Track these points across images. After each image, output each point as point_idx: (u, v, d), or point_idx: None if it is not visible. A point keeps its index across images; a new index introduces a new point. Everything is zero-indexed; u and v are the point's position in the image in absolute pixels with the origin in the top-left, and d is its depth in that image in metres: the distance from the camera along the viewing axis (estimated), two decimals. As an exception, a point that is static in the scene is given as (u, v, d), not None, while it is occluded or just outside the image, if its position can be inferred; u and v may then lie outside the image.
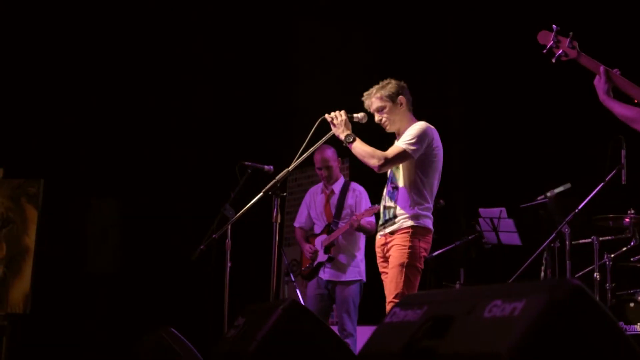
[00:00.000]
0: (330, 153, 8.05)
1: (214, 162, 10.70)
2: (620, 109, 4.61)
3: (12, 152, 9.83)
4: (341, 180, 8.25)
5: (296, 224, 8.49)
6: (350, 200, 8.12)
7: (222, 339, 5.08)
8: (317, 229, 8.23)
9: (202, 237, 6.88)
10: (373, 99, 6.08)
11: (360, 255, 8.07)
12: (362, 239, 8.11)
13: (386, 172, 6.07)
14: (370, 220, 7.82)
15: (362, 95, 6.16)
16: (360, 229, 7.82)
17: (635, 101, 4.63)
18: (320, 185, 8.36)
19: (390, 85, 6.07)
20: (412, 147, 5.77)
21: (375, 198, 6.48)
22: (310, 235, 8.27)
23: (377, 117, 6.10)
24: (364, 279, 8.05)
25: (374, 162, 5.81)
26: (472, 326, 2.65)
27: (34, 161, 9.99)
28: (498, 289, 2.74)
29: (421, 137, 5.81)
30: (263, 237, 7.79)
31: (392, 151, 5.84)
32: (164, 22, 11.18)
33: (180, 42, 11.23)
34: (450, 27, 10.45)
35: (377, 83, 6.17)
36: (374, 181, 6.14)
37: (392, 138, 6.19)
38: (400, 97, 6.03)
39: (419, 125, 5.91)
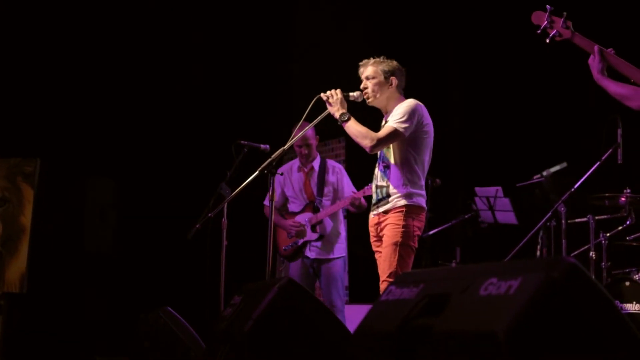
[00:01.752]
0: (311, 132, 8.00)
1: (210, 141, 10.69)
2: (614, 87, 4.62)
3: (8, 130, 9.81)
4: (318, 158, 8.22)
5: (267, 202, 8.30)
6: (331, 177, 8.10)
7: (218, 317, 5.10)
8: (295, 207, 8.15)
9: (198, 216, 6.88)
10: (369, 66, 6.08)
11: (344, 232, 8.10)
12: (343, 216, 8.15)
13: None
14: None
15: (359, 76, 6.15)
16: (359, 207, 7.80)
17: (632, 80, 4.63)
18: (295, 162, 8.26)
19: (389, 63, 6.08)
20: (403, 125, 5.78)
21: (369, 179, 6.48)
22: (286, 213, 8.20)
23: (363, 84, 6.09)
24: (346, 254, 8.10)
25: (366, 143, 5.81)
26: (468, 304, 2.66)
27: (30, 140, 9.96)
28: (494, 267, 2.74)
29: (410, 115, 5.81)
30: (259, 216, 7.81)
31: (383, 131, 5.85)
32: (158, 1, 11.14)
33: (175, 21, 11.19)
34: (450, 8, 10.42)
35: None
36: (370, 160, 6.15)
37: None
38: (393, 77, 6.02)
39: (408, 103, 5.91)
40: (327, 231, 7.98)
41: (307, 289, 7.84)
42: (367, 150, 5.86)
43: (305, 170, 8.17)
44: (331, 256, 7.96)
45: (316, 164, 8.16)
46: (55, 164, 9.55)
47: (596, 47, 4.70)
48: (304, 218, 8.01)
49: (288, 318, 4.24)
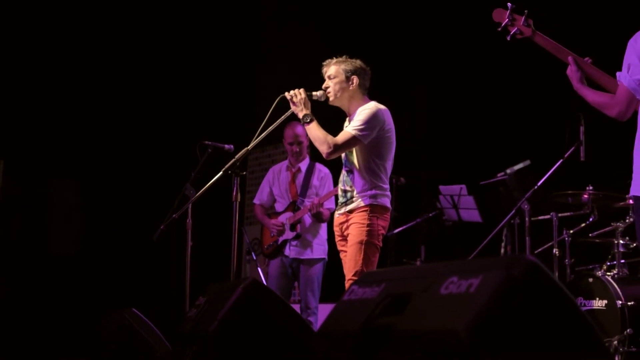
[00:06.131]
0: (301, 129, 7.98)
1: (174, 142, 10.66)
2: (593, 97, 4.63)
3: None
4: (307, 160, 8.22)
5: (256, 201, 8.39)
6: (315, 180, 8.10)
7: (183, 318, 5.09)
8: (280, 207, 8.18)
9: (163, 217, 6.86)
10: (331, 65, 6.09)
11: (325, 234, 8.06)
12: None
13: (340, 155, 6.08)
14: (330, 207, 7.82)
15: (322, 75, 6.15)
16: (318, 215, 7.80)
17: (606, 89, 4.66)
18: (285, 163, 8.31)
19: (352, 63, 6.07)
20: (361, 133, 5.80)
21: (335, 180, 6.50)
22: (272, 213, 8.22)
23: (325, 83, 6.10)
24: (327, 257, 8.06)
25: (323, 149, 5.85)
26: (429, 303, 2.67)
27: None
28: (455, 266, 2.75)
29: (370, 122, 5.83)
30: (224, 217, 7.79)
31: (341, 137, 5.88)
32: (121, 3, 11.10)
33: (140, 21, 11.15)
34: (413, 8, 10.44)
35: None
36: (337, 161, 6.16)
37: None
38: (354, 77, 6.01)
39: (369, 110, 5.91)
40: (305, 231, 7.97)
41: (284, 287, 7.93)
42: (324, 155, 5.90)
43: (293, 170, 8.17)
44: (310, 257, 7.95)
45: (304, 165, 8.16)
46: (19, 165, 9.50)
47: (570, 58, 4.71)
48: (285, 217, 8.01)
49: (253, 318, 4.24)
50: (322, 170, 8.18)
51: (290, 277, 8.02)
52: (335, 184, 7.53)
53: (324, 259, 8.01)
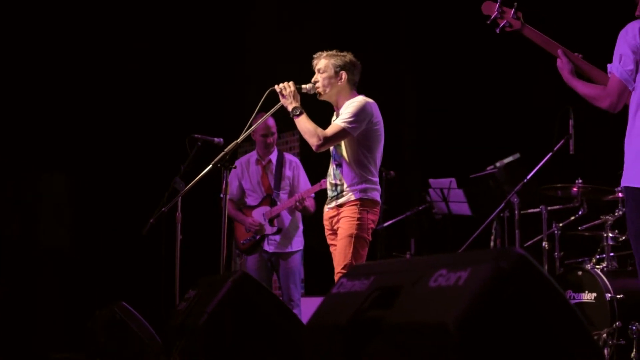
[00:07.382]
0: (272, 121, 7.98)
1: (164, 136, 10.64)
2: (583, 88, 4.63)
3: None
4: (276, 151, 8.19)
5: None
6: (288, 171, 8.07)
7: (173, 312, 5.09)
8: (252, 201, 8.11)
9: (153, 211, 6.86)
10: (321, 59, 6.09)
11: (301, 225, 8.08)
12: None
13: (329, 149, 6.08)
14: (311, 198, 7.84)
15: (311, 68, 6.15)
16: (304, 209, 7.81)
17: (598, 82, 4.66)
18: (252, 155, 8.22)
19: (342, 57, 6.07)
20: (350, 126, 5.81)
21: (323, 173, 6.49)
22: (244, 207, 8.17)
23: (314, 77, 6.10)
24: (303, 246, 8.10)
25: (313, 141, 5.85)
26: (418, 296, 2.67)
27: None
28: (444, 259, 2.76)
29: (359, 115, 5.84)
30: (213, 210, 7.79)
31: (331, 130, 5.88)
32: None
33: (129, 16, 11.12)
34: (403, 1, 10.45)
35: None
36: (325, 153, 6.16)
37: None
38: (343, 72, 6.01)
39: (357, 102, 5.92)
40: (286, 225, 7.95)
41: (264, 282, 7.89)
42: (314, 148, 5.89)
43: (263, 163, 8.12)
44: (289, 250, 7.95)
45: (273, 157, 8.11)
46: (8, 159, 9.48)
47: (560, 51, 4.72)
48: (261, 212, 7.96)
49: (242, 311, 4.24)
50: (292, 160, 8.17)
51: (269, 270, 8.01)
52: (317, 174, 7.54)
53: (301, 249, 8.04)
